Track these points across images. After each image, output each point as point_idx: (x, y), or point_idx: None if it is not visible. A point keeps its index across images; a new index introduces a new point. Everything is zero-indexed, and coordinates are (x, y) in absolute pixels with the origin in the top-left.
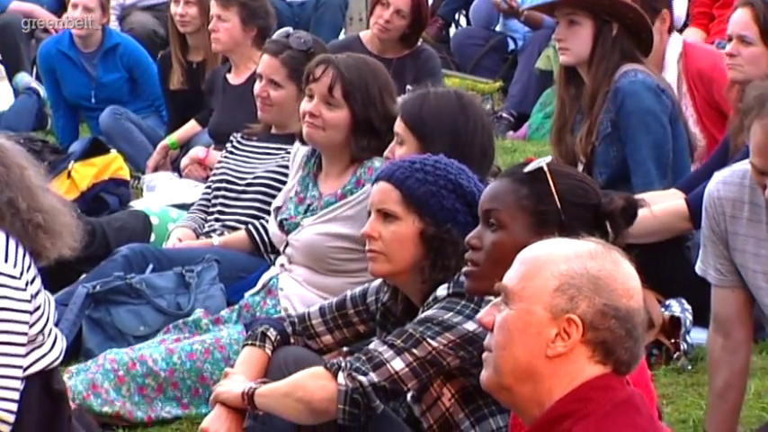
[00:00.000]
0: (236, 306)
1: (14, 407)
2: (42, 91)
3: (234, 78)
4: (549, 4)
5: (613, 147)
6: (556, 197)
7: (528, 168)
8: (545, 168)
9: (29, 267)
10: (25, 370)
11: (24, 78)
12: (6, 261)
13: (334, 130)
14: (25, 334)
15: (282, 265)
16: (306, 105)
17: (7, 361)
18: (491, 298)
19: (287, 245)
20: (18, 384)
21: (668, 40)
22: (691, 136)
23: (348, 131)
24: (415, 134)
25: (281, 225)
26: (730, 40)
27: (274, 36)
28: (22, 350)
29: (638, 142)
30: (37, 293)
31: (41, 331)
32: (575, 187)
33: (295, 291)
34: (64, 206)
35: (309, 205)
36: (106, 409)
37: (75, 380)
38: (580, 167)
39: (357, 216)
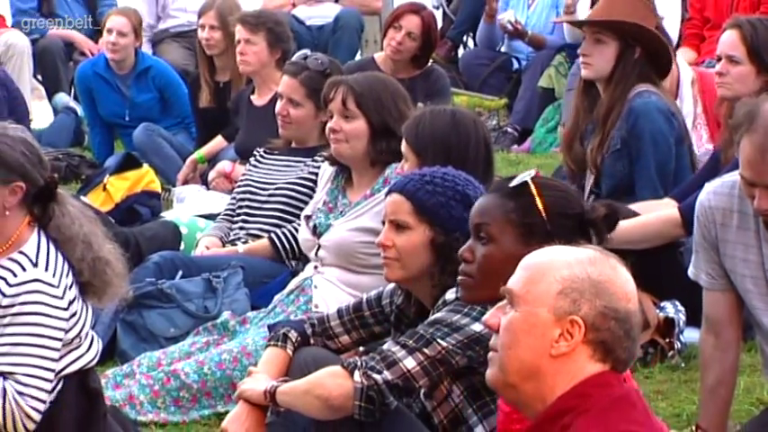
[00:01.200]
0: (270, 306)
1: (42, 406)
2: (79, 110)
3: (257, 100)
4: (580, 21)
5: (621, 161)
6: (541, 209)
7: (513, 183)
8: (529, 182)
9: (66, 274)
10: (63, 370)
11: (63, 98)
12: (47, 270)
13: (356, 140)
14: (60, 339)
15: (315, 267)
16: (328, 126)
17: (40, 363)
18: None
19: (318, 248)
20: (48, 386)
21: (679, 72)
22: (694, 156)
23: (368, 139)
24: (414, 151)
25: (313, 230)
26: (719, 59)
27: (293, 58)
28: (56, 354)
29: (647, 160)
30: (74, 299)
31: (78, 334)
32: (558, 198)
33: (329, 290)
34: (119, 258)
35: (341, 212)
36: (141, 418)
37: (112, 391)
38: (590, 176)
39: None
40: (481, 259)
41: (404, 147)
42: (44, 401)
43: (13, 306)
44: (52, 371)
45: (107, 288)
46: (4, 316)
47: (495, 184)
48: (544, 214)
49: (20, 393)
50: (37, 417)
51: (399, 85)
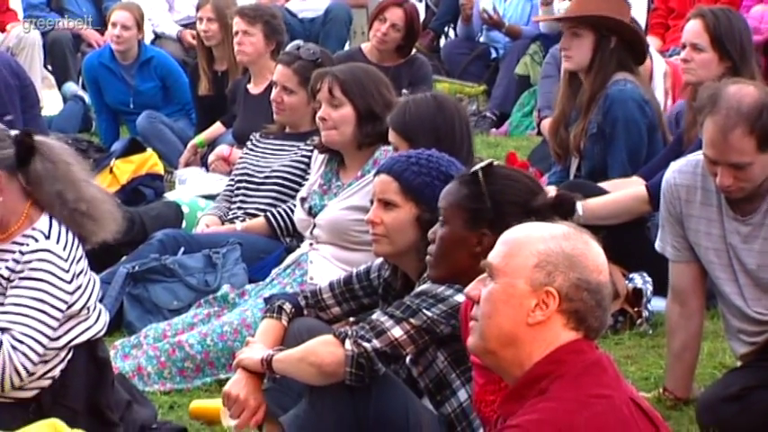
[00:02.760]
0: (267, 279)
1: (30, 366)
2: (87, 98)
3: (253, 88)
4: (557, 18)
5: (598, 145)
6: (486, 197)
7: (471, 170)
8: (479, 172)
9: (76, 248)
10: (73, 340)
11: (71, 87)
12: (58, 242)
13: (345, 126)
14: (60, 310)
15: (311, 244)
16: (318, 115)
17: (37, 325)
18: None
19: (313, 227)
20: (40, 349)
21: (653, 64)
22: (667, 141)
23: (355, 123)
24: (404, 138)
25: (309, 211)
26: (684, 47)
27: (287, 48)
28: (54, 322)
29: (619, 145)
30: (80, 273)
31: (86, 305)
32: (505, 186)
33: (323, 265)
34: (105, 196)
35: (335, 194)
36: (148, 389)
37: (121, 362)
38: (574, 160)
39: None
40: (438, 240)
41: (392, 136)
42: (34, 362)
43: (22, 270)
44: (47, 336)
45: (100, 225)
46: (14, 280)
47: (461, 173)
48: (489, 201)
49: (13, 348)
50: (24, 374)
51: (380, 73)
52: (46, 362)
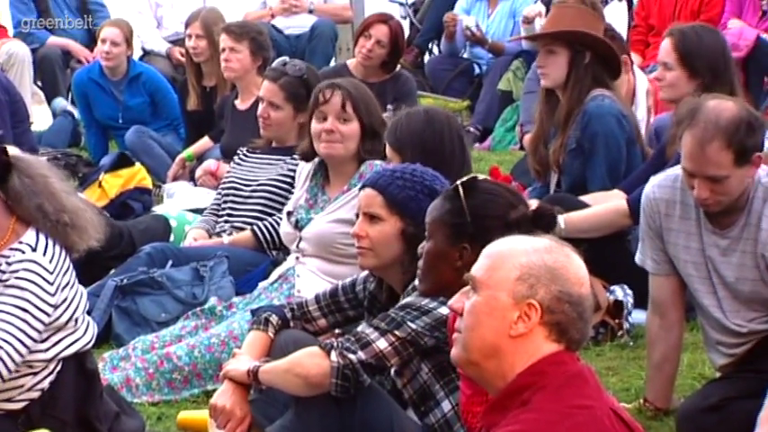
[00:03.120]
0: (254, 293)
1: (5, 373)
2: (76, 113)
3: (240, 104)
4: (530, 36)
5: (577, 160)
6: (466, 212)
7: (453, 186)
8: (459, 186)
9: (63, 260)
10: (62, 352)
11: (61, 103)
12: (44, 255)
13: (351, 141)
14: (42, 321)
15: (297, 258)
16: (319, 125)
17: (17, 334)
18: None
19: (300, 241)
20: (18, 358)
21: (636, 80)
22: (646, 155)
23: (360, 139)
24: (396, 151)
25: (295, 225)
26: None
27: (273, 64)
28: (35, 333)
29: (598, 159)
30: (66, 285)
31: (73, 317)
32: (485, 201)
33: (310, 279)
34: (86, 206)
35: (321, 208)
36: (137, 401)
37: (110, 374)
38: (554, 175)
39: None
40: (423, 255)
41: (388, 150)
42: (10, 370)
43: (8, 279)
44: (27, 345)
45: (84, 232)
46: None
47: (447, 188)
48: (469, 216)
49: None
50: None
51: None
52: (35, 374)
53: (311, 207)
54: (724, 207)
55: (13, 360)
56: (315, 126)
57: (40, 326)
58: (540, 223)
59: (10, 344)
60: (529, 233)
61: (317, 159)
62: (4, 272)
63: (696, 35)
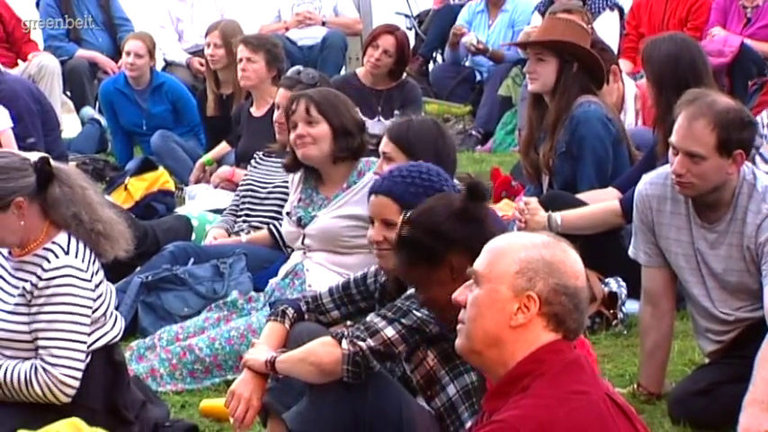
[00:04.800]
0: (267, 290)
1: (77, 374)
2: (103, 120)
3: (256, 112)
4: (523, 43)
5: (567, 162)
6: (424, 239)
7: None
8: (403, 226)
9: (93, 262)
10: (91, 345)
11: (88, 111)
12: (76, 257)
13: (322, 141)
14: (89, 316)
15: (304, 253)
16: (293, 134)
17: (73, 336)
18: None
19: (303, 238)
20: (81, 356)
21: (624, 87)
22: (633, 154)
23: (331, 139)
24: (404, 152)
25: (299, 222)
26: None
27: (288, 73)
28: (86, 329)
29: (586, 160)
30: (99, 283)
31: (104, 314)
32: (430, 219)
33: (319, 272)
34: (118, 217)
35: (319, 206)
36: (161, 389)
37: (136, 365)
38: (545, 177)
39: (362, 200)
40: (418, 285)
41: (390, 148)
42: (79, 369)
43: (48, 288)
44: (84, 343)
45: (115, 243)
46: (40, 296)
47: None
48: (429, 240)
49: (53, 365)
50: (73, 383)
51: (346, 96)
52: None
53: (308, 206)
54: (696, 193)
55: (79, 360)
56: (291, 137)
57: (87, 320)
58: (477, 195)
59: (69, 349)
60: (477, 208)
61: (303, 167)
62: (41, 278)
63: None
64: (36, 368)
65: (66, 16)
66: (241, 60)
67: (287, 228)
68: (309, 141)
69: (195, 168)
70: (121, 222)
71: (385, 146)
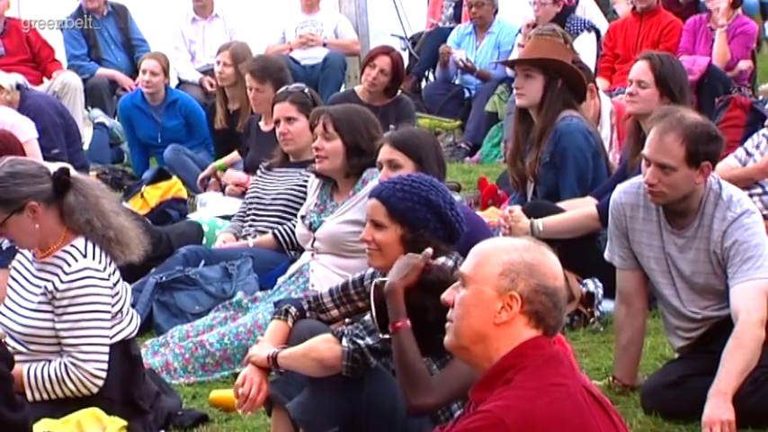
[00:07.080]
0: (275, 287)
1: (105, 366)
2: (107, 121)
3: (264, 126)
4: (512, 61)
5: (551, 172)
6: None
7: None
8: (374, 289)
9: (110, 263)
10: (109, 340)
11: (96, 113)
12: (94, 259)
13: (334, 156)
14: (110, 312)
15: (312, 255)
16: (313, 145)
17: (98, 333)
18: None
19: (314, 241)
20: (105, 350)
21: (601, 103)
22: (609, 165)
23: (344, 155)
24: (413, 159)
25: (309, 227)
26: (631, 83)
27: (277, 92)
28: (108, 324)
29: (568, 170)
30: (116, 282)
31: (120, 310)
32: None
33: (323, 273)
34: (132, 224)
35: (331, 212)
36: (175, 382)
37: (152, 359)
38: (530, 185)
39: (363, 206)
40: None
41: (398, 155)
42: (105, 362)
43: (70, 290)
44: (107, 337)
45: (126, 248)
46: (63, 298)
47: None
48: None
49: (84, 361)
50: (103, 374)
51: (371, 114)
52: None
53: (321, 211)
54: (667, 201)
55: (105, 353)
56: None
57: (109, 316)
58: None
59: (96, 344)
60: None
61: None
62: (63, 281)
63: (669, 61)
64: (66, 366)
65: (87, 39)
66: (251, 90)
67: (300, 230)
68: (323, 155)
69: (208, 168)
70: (134, 229)
71: (390, 153)
